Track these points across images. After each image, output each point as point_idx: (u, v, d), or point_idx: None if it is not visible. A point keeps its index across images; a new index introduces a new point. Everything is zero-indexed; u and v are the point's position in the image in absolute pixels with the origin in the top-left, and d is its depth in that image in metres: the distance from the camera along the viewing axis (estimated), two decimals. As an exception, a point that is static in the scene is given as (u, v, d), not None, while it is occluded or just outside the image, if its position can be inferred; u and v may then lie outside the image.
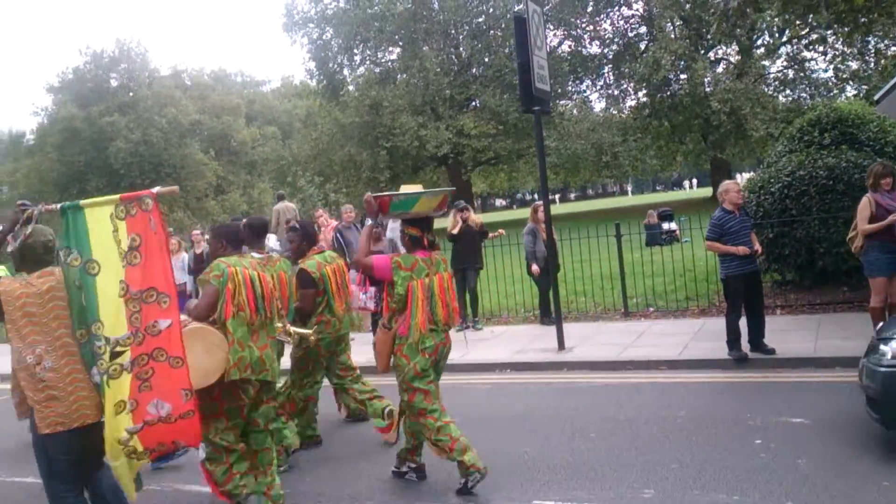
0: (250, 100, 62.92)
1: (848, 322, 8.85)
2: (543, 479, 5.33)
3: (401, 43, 40.76)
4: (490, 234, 11.57)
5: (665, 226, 20.69)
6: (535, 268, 10.57)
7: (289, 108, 63.47)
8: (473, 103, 40.32)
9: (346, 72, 44.00)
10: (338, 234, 11.44)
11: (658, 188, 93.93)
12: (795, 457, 5.20)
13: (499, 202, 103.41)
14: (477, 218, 11.82)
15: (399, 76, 41.41)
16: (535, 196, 53.05)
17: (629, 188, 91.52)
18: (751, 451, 5.44)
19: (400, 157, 39.04)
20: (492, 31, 40.30)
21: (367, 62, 43.56)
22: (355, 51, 42.46)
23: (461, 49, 42.31)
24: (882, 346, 5.15)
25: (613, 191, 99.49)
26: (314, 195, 28.68)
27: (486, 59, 40.42)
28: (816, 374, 7.36)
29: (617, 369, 8.34)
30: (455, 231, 11.11)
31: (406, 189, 5.43)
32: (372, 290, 9.19)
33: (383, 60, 43.70)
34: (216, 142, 55.56)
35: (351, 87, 40.96)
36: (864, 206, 7.40)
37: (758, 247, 8.02)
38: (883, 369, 5.02)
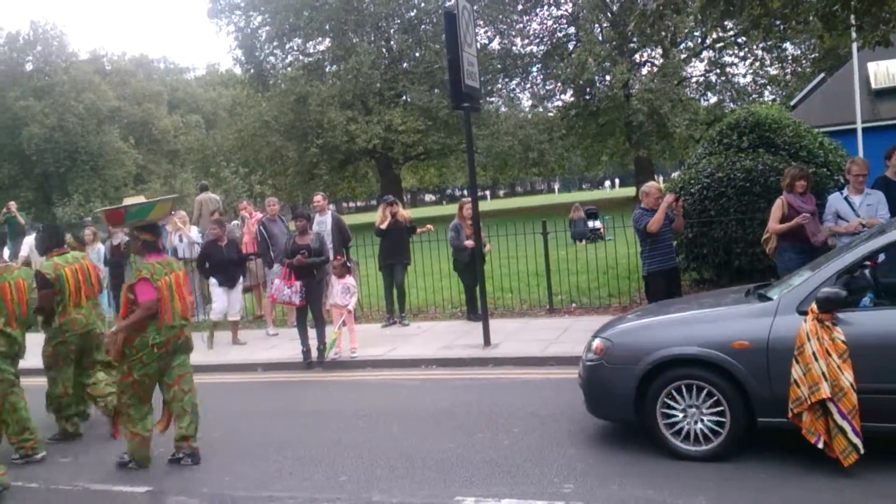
0: (173, 87, 61.13)
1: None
2: (466, 474, 5.34)
3: (331, 34, 40.25)
4: (418, 230, 11.54)
5: (590, 224, 21.07)
6: (468, 243, 10.31)
7: (214, 97, 61.96)
8: (403, 98, 40.15)
9: (273, 60, 43.11)
10: (261, 227, 11.22)
11: (584, 187, 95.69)
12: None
13: (428, 197, 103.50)
14: (406, 213, 11.76)
15: (329, 68, 40.91)
16: (465, 192, 53.30)
17: (556, 186, 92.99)
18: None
19: (329, 150, 38.60)
20: (423, 26, 40.27)
21: (297, 52, 42.84)
22: (285, 39, 41.69)
23: (392, 43, 42.11)
24: (591, 342, 5.77)
25: (541, 189, 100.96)
26: (238, 186, 28.11)
27: (417, 55, 40.36)
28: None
29: (541, 365, 8.41)
30: (384, 226, 11.04)
31: (129, 201, 6.19)
32: (297, 284, 9.06)
33: (313, 51, 43.07)
34: (136, 129, 53.78)
35: (280, 82, 40.13)
36: (777, 207, 7.69)
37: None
38: (587, 363, 5.69)
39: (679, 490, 4.72)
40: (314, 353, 9.25)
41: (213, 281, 10.65)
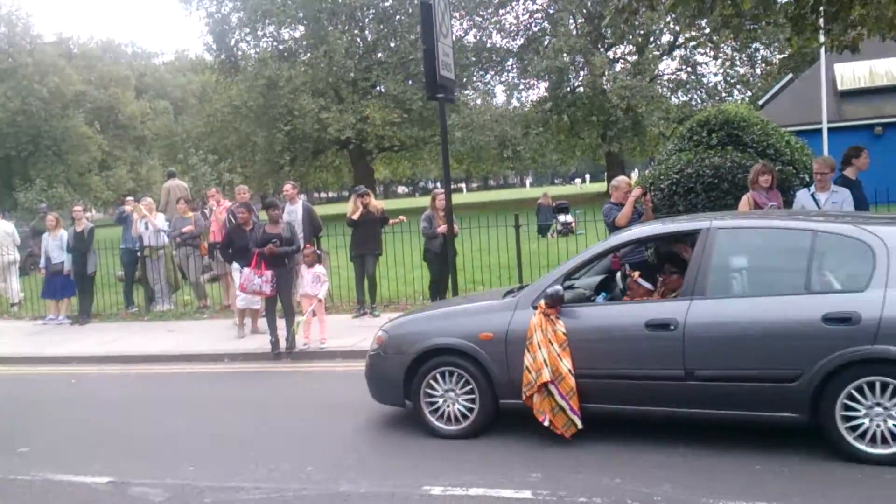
0: (141, 72, 60.12)
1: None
2: (434, 464, 5.35)
3: (305, 21, 39.84)
4: (391, 221, 11.49)
5: (561, 218, 21.17)
6: (441, 228, 10.27)
7: (183, 83, 61.03)
8: (378, 89, 39.93)
9: (245, 47, 42.54)
10: (230, 215, 11.09)
11: (556, 181, 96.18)
12: (678, 442, 5.38)
13: (401, 189, 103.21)
14: (378, 204, 11.70)
15: (302, 55, 40.52)
16: (438, 184, 53.30)
17: (528, 181, 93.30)
18: (636, 435, 5.55)
19: (300, 139, 38.21)
20: (398, 16, 40.07)
21: (270, 39, 42.32)
22: (258, 25, 41.16)
23: (367, 32, 41.85)
24: (376, 334, 6.35)
25: (514, 182, 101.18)
26: (207, 174, 27.76)
27: (392, 45, 40.17)
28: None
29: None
30: (355, 216, 10.97)
31: None
32: (268, 273, 8.98)
33: (287, 38, 42.63)
34: (102, 114, 52.88)
35: (250, 66, 39.58)
36: (744, 203, 7.80)
37: None
38: (369, 353, 6.34)
39: (647, 478, 4.79)
40: (283, 344, 9.18)
41: (234, 266, 10.21)
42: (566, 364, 5.34)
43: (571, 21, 39.66)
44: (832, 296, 4.90)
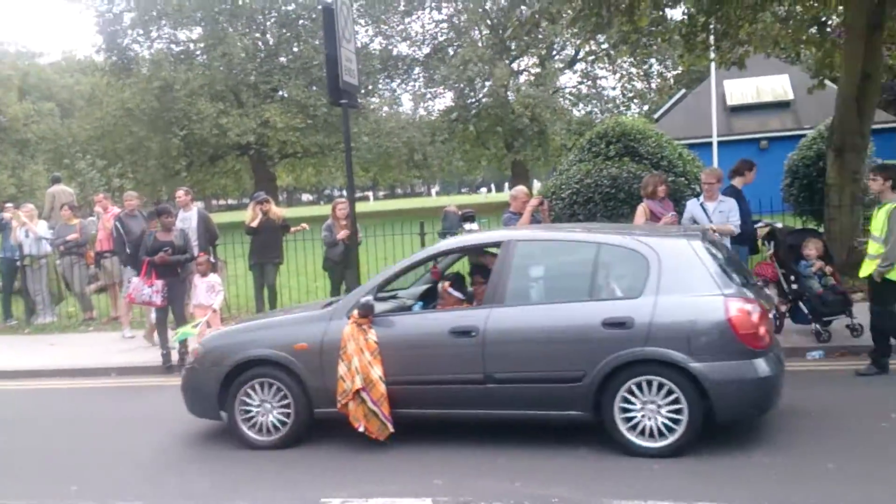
0: (25, 72, 56.70)
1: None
2: (333, 475, 5.25)
3: (203, 23, 38.66)
4: (292, 229, 11.23)
5: (467, 226, 21.25)
6: (342, 234, 10.07)
7: (70, 84, 57.87)
8: (280, 93, 39.17)
9: (138, 48, 40.79)
10: (117, 223, 10.55)
11: (463, 191, 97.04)
12: (579, 443, 5.44)
13: (305, 197, 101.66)
14: (278, 211, 11.42)
15: (200, 58, 39.29)
16: (343, 192, 52.80)
17: (434, 190, 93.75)
18: (534, 439, 5.57)
19: (197, 144, 36.96)
20: (301, 21, 39.42)
21: (165, 40, 40.82)
22: (151, 27, 39.61)
23: (268, 36, 40.99)
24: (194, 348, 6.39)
25: (421, 191, 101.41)
26: (95, 179, 26.43)
27: (295, 49, 39.47)
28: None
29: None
30: (254, 224, 10.64)
31: None
32: (158, 283, 8.59)
33: (183, 40, 41.25)
34: (-19, 116, 49.57)
35: (143, 68, 38.03)
36: (640, 213, 8.03)
37: None
38: (185, 367, 6.35)
39: (544, 480, 4.82)
40: (175, 357, 8.79)
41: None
42: (377, 371, 5.53)
43: (477, 32, 40.17)
44: (611, 302, 5.34)
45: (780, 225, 8.56)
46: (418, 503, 4.68)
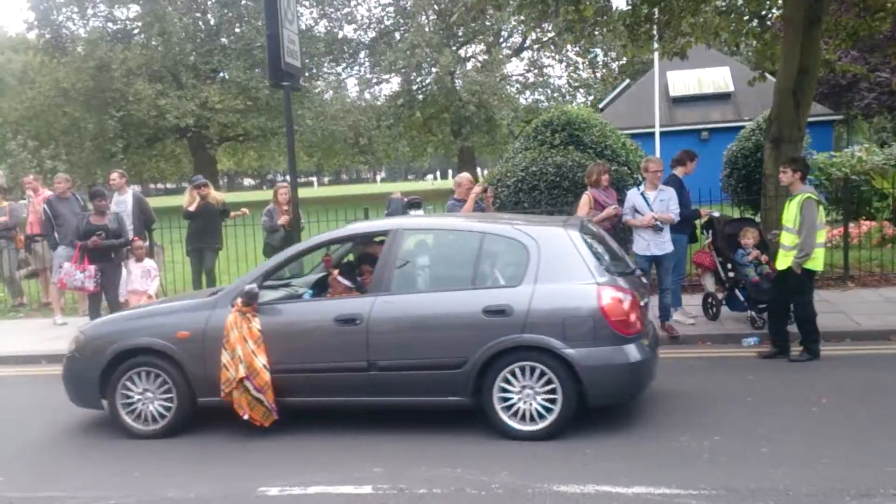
0: (-50, 50, 54.23)
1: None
2: (271, 464, 5.16)
3: (140, 1, 37.47)
4: (232, 214, 10.99)
5: (413, 213, 21.19)
6: (283, 219, 9.88)
7: (1, 62, 55.64)
8: (221, 74, 38.27)
9: (72, 26, 39.28)
10: (46, 207, 10.14)
11: (410, 177, 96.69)
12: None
13: (247, 182, 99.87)
14: (218, 195, 11.15)
15: (138, 37, 38.08)
16: (286, 177, 51.98)
17: (379, 176, 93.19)
18: (474, 427, 5.55)
19: (134, 126, 35.89)
20: (244, 1, 38.56)
21: (101, 18, 39.41)
22: (87, 4, 38.18)
23: (209, 16, 39.97)
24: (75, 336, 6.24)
25: (367, 178, 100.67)
26: (26, 161, 25.42)
27: (238, 30, 38.60)
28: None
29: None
30: (192, 208, 10.36)
31: None
32: (91, 268, 8.32)
33: (121, 18, 39.90)
34: None
35: (79, 47, 36.63)
36: (584, 201, 8.09)
37: None
38: (66, 356, 6.19)
39: (484, 467, 4.83)
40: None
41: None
42: (261, 360, 5.52)
43: (424, 17, 39.93)
44: (492, 290, 5.47)
45: (717, 214, 8.73)
46: (358, 491, 4.63)
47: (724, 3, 12.47)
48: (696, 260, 8.74)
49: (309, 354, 5.65)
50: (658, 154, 18.67)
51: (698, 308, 8.73)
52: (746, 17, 12.56)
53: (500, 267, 5.63)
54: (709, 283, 8.67)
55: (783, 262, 7.02)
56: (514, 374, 5.30)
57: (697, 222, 8.70)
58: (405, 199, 20.92)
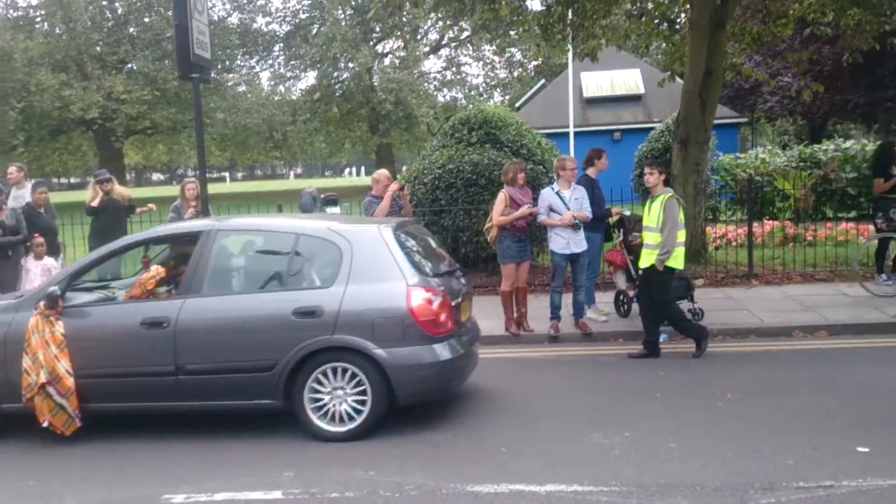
0: None
1: (483, 304, 9.61)
2: (176, 470, 4.97)
3: (44, -13, 35.74)
4: (138, 209, 10.57)
5: (329, 210, 20.94)
6: (190, 212, 9.55)
7: None
8: (129, 65, 36.85)
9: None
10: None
11: (327, 174, 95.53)
12: (430, 430, 5.45)
13: (156, 176, 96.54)
14: (123, 190, 10.71)
15: (41, 25, 36.25)
16: (196, 172, 50.43)
17: (291, 173, 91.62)
18: (390, 427, 5.52)
19: (37, 117, 34.16)
20: (154, -10, 37.23)
21: (2, 5, 37.38)
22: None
23: (117, 4, 38.41)
24: None
25: (282, 173, 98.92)
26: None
27: (146, 20, 37.23)
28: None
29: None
30: (95, 203, 9.93)
31: None
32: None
33: (23, 5, 37.91)
34: None
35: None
36: (501, 200, 8.11)
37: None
38: None
39: (398, 468, 4.77)
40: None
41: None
42: (64, 365, 5.39)
43: (340, 12, 39.49)
44: (304, 292, 5.45)
45: (628, 213, 8.93)
46: (268, 497, 4.50)
47: (634, 7, 12.80)
48: (608, 258, 8.91)
49: (114, 359, 5.50)
50: (572, 154, 19.00)
51: (611, 305, 8.90)
52: (656, 21, 12.93)
53: (315, 268, 5.62)
54: (620, 281, 8.85)
55: (646, 260, 7.23)
56: (325, 376, 5.31)
57: (610, 220, 8.86)
58: (322, 196, 20.63)
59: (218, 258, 5.71)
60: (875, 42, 11.66)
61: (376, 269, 5.39)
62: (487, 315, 8.91)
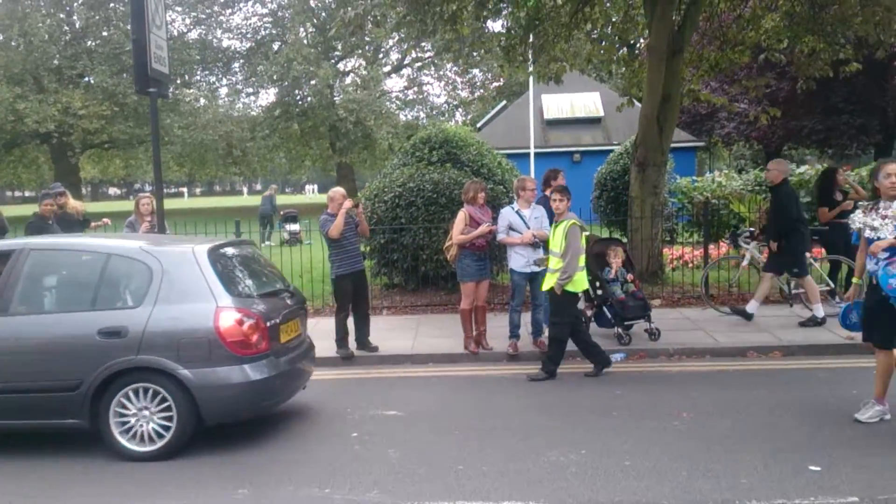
0: None
1: (443, 322, 9.67)
2: (125, 488, 4.84)
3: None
4: (92, 224, 10.38)
5: (289, 227, 20.83)
6: (144, 226, 9.41)
7: None
8: (86, 79, 36.26)
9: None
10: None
11: (287, 190, 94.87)
12: (386, 447, 5.43)
13: (113, 191, 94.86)
14: (78, 205, 10.50)
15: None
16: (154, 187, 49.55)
17: (245, 189, 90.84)
18: (346, 443, 5.56)
19: (-10, 130, 33.44)
20: (112, 4, 36.76)
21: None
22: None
23: (75, 17, 37.84)
24: None
25: (241, 190, 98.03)
26: None
27: (105, 34, 36.75)
28: (413, 370, 7.89)
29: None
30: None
31: None
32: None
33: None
34: None
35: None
36: (461, 218, 8.12)
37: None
38: None
39: (354, 485, 4.67)
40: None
41: None
42: None
43: (302, 30, 39.45)
44: (110, 312, 5.44)
45: (586, 233, 9.00)
46: (221, 519, 4.41)
47: (595, 32, 13.01)
48: (567, 278, 8.94)
49: None
50: (533, 174, 19.17)
51: (569, 324, 8.93)
52: (616, 46, 13.16)
53: (124, 288, 5.61)
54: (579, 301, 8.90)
55: (548, 283, 7.31)
56: (130, 396, 5.31)
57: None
58: (281, 213, 20.37)
59: (28, 277, 5.65)
60: (829, 70, 12.01)
61: (186, 289, 5.41)
62: (447, 334, 8.91)
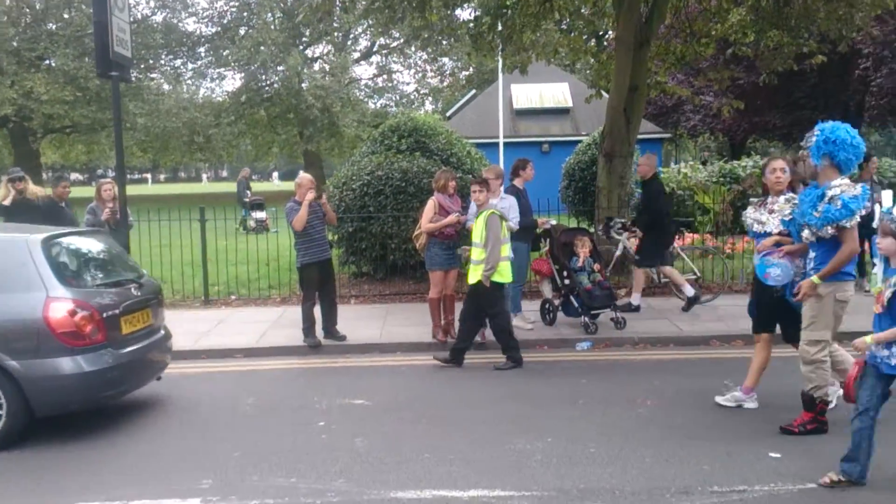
0: None
1: (411, 311, 9.67)
2: (93, 477, 4.78)
3: (-47, -22, 34.01)
4: (106, 211, 10.16)
5: (256, 214, 20.62)
6: (107, 212, 9.30)
7: None
8: (47, 62, 35.40)
9: None
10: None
11: (255, 178, 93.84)
12: (353, 436, 5.43)
13: (75, 176, 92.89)
14: (38, 190, 10.25)
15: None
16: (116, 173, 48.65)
17: (205, 176, 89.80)
18: (312, 433, 5.55)
19: (-54, 114, 32.50)
20: (75, -15, 35.86)
21: None
22: None
23: (35, -1, 36.89)
24: None
25: (208, 176, 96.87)
26: None
27: (66, 16, 35.85)
28: (381, 359, 7.88)
29: (192, 358, 7.96)
30: (6, 202, 9.47)
31: None
32: None
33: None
34: None
35: None
36: (430, 207, 8.13)
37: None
38: None
39: (320, 474, 4.72)
40: None
41: None
42: None
43: (270, 15, 38.94)
44: None
45: (553, 223, 9.07)
46: (185, 505, 4.38)
47: (563, 21, 13.05)
48: (534, 267, 9.02)
49: None
50: (502, 164, 19.20)
51: (537, 314, 9.01)
52: (585, 37, 13.21)
53: None
54: (546, 290, 8.97)
55: (473, 276, 7.33)
56: None
57: (537, 231, 8.98)
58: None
59: None
60: (792, 63, 12.19)
61: (16, 279, 5.32)
62: (415, 322, 8.92)
